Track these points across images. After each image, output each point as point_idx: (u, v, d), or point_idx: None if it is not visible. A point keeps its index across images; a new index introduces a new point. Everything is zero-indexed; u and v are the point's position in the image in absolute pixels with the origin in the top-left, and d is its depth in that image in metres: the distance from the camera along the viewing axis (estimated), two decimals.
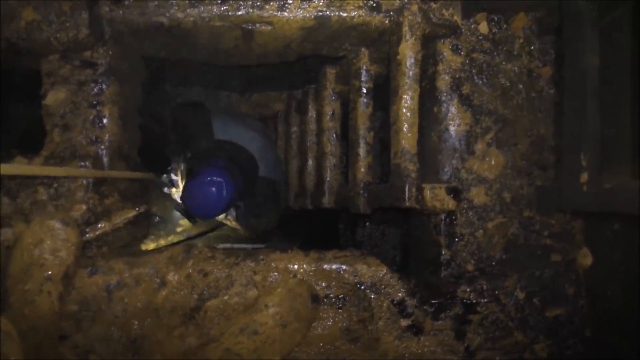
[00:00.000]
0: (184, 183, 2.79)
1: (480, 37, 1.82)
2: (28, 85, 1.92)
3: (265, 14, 1.72)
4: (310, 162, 2.81)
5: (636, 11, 1.56)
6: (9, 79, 2.37)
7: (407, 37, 1.71)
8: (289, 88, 3.17)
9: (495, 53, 1.83)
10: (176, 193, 3.07)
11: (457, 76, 1.80)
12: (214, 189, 2.49)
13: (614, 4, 1.61)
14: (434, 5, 1.72)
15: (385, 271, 1.73)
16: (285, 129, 3.31)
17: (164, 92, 3.15)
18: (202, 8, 1.71)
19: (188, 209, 2.61)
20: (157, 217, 3.86)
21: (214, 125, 2.98)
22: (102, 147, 1.81)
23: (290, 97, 3.20)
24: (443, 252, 1.78)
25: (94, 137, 1.80)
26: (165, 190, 3.28)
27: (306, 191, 2.83)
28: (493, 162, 1.81)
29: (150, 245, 3.54)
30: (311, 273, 1.73)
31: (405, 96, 1.72)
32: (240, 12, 1.72)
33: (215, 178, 2.50)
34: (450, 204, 1.69)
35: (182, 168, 3.03)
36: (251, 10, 1.72)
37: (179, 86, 3.21)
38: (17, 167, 1.61)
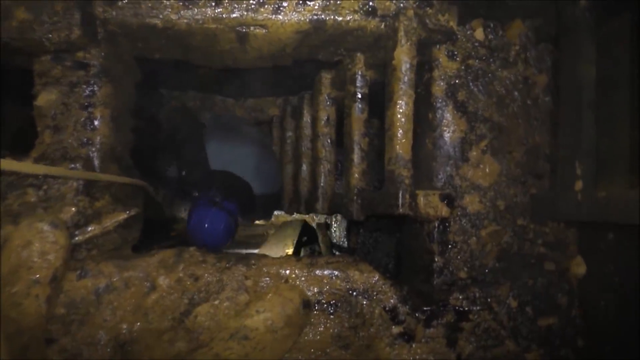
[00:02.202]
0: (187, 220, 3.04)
1: (476, 44, 1.82)
2: (22, 84, 1.90)
3: (260, 17, 1.71)
4: (304, 167, 2.79)
5: (634, 22, 1.56)
6: (1, 78, 2.35)
7: (403, 42, 1.71)
8: (285, 93, 3.16)
9: (491, 60, 1.82)
10: None
11: (452, 82, 1.80)
12: (212, 227, 2.81)
13: (612, 14, 1.60)
14: (429, 11, 1.72)
15: (377, 277, 1.72)
16: (280, 134, 3.30)
17: (158, 95, 3.13)
18: (195, 10, 1.70)
19: (195, 245, 2.86)
20: None
21: (208, 147, 3.29)
22: (94, 149, 1.79)
23: (285, 103, 3.19)
24: (436, 260, 1.77)
25: (85, 139, 1.78)
26: None
27: (300, 197, 2.82)
28: (488, 170, 1.80)
29: None
30: (303, 278, 1.71)
31: (400, 102, 1.71)
32: (234, 15, 1.71)
33: (213, 218, 2.82)
34: (444, 211, 1.68)
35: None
36: (245, 13, 1.71)
37: (174, 90, 3.19)
38: (17, 164, 1.59)
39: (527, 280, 1.80)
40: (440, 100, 1.80)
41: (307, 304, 1.67)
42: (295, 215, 3.71)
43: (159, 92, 3.12)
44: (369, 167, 2.12)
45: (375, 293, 1.71)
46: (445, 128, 1.79)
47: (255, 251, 3.42)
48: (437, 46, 1.80)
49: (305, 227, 3.73)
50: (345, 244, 3.31)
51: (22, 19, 1.63)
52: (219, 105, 3.22)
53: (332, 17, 1.72)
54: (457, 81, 1.80)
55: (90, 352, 1.62)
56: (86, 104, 1.78)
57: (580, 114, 1.61)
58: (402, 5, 1.72)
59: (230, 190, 3.16)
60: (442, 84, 1.80)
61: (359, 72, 2.04)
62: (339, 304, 1.70)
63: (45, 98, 1.76)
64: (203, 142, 3.27)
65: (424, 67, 1.85)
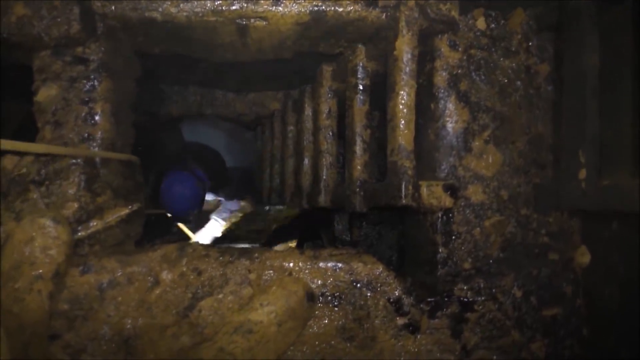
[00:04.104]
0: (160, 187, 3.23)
1: (478, 33, 1.80)
2: (22, 80, 1.90)
3: (260, 9, 1.70)
4: (306, 161, 2.78)
5: (636, 8, 1.54)
6: (2, 74, 2.34)
7: (404, 32, 1.69)
8: (286, 87, 3.15)
9: (493, 49, 1.81)
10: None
11: (454, 72, 1.79)
12: (181, 191, 2.93)
13: (613, 2, 1.59)
14: (431, 0, 1.71)
15: (381, 269, 1.72)
16: (281, 128, 3.30)
17: (159, 90, 3.13)
18: (195, 3, 1.68)
19: (166, 210, 2.96)
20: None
21: (183, 128, 3.55)
22: (94, 144, 1.78)
23: (286, 96, 3.19)
24: (440, 251, 1.77)
25: (86, 134, 1.77)
26: None
27: (302, 190, 2.81)
28: (491, 160, 1.79)
29: None
30: (307, 271, 1.71)
31: (402, 92, 1.70)
32: (234, 7, 1.70)
33: (180, 181, 3.06)
34: (447, 201, 1.67)
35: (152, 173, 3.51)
36: (245, 5, 1.70)
37: (175, 85, 3.19)
38: (17, 143, 1.58)
39: (532, 270, 1.79)
40: (442, 91, 1.79)
41: (311, 297, 1.67)
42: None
43: (159, 87, 3.11)
44: (371, 158, 2.11)
45: (379, 285, 1.71)
46: (447, 118, 1.78)
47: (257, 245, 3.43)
48: (439, 36, 1.79)
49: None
50: (348, 237, 3.31)
51: (21, 14, 1.62)
52: (219, 99, 3.22)
53: (332, 8, 1.71)
54: (459, 71, 1.79)
55: (94, 348, 1.62)
56: (86, 99, 1.77)
57: (584, 102, 1.60)
58: None
59: (202, 158, 3.44)
60: (444, 74, 1.79)
61: (360, 64, 2.03)
62: (343, 296, 1.70)
63: (45, 94, 1.75)
64: (180, 133, 3.52)
65: (425, 58, 1.84)
